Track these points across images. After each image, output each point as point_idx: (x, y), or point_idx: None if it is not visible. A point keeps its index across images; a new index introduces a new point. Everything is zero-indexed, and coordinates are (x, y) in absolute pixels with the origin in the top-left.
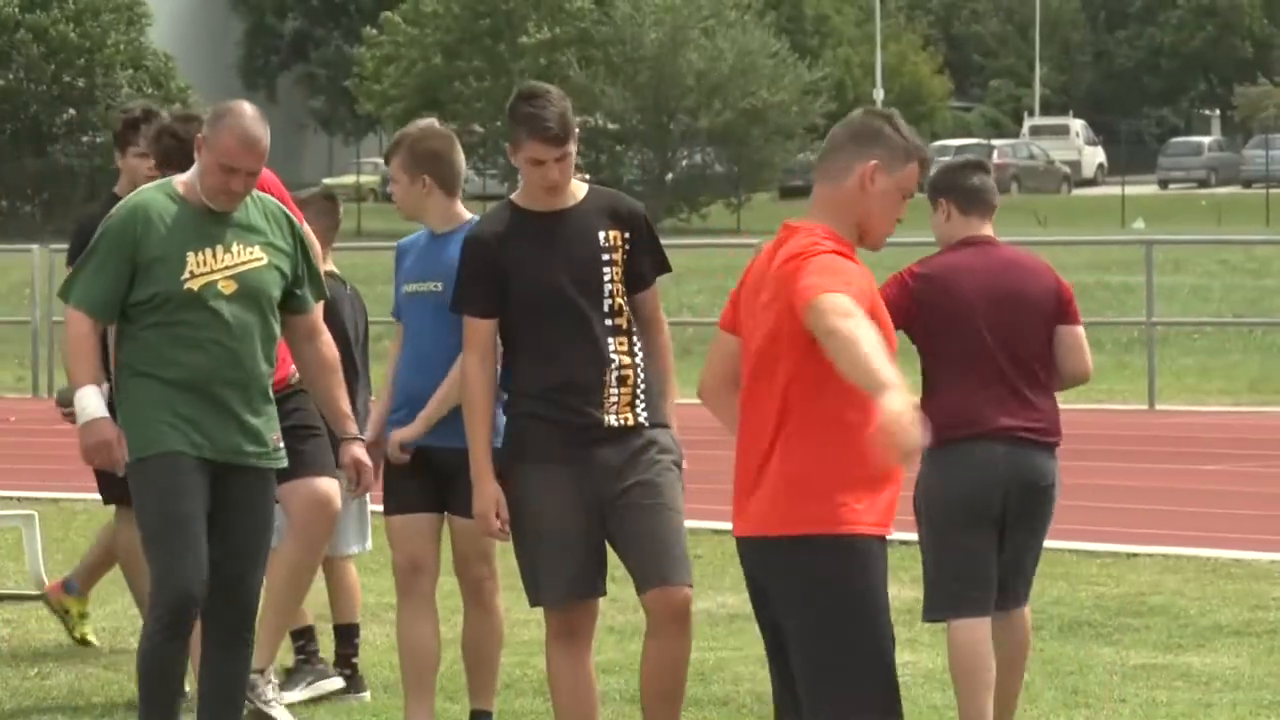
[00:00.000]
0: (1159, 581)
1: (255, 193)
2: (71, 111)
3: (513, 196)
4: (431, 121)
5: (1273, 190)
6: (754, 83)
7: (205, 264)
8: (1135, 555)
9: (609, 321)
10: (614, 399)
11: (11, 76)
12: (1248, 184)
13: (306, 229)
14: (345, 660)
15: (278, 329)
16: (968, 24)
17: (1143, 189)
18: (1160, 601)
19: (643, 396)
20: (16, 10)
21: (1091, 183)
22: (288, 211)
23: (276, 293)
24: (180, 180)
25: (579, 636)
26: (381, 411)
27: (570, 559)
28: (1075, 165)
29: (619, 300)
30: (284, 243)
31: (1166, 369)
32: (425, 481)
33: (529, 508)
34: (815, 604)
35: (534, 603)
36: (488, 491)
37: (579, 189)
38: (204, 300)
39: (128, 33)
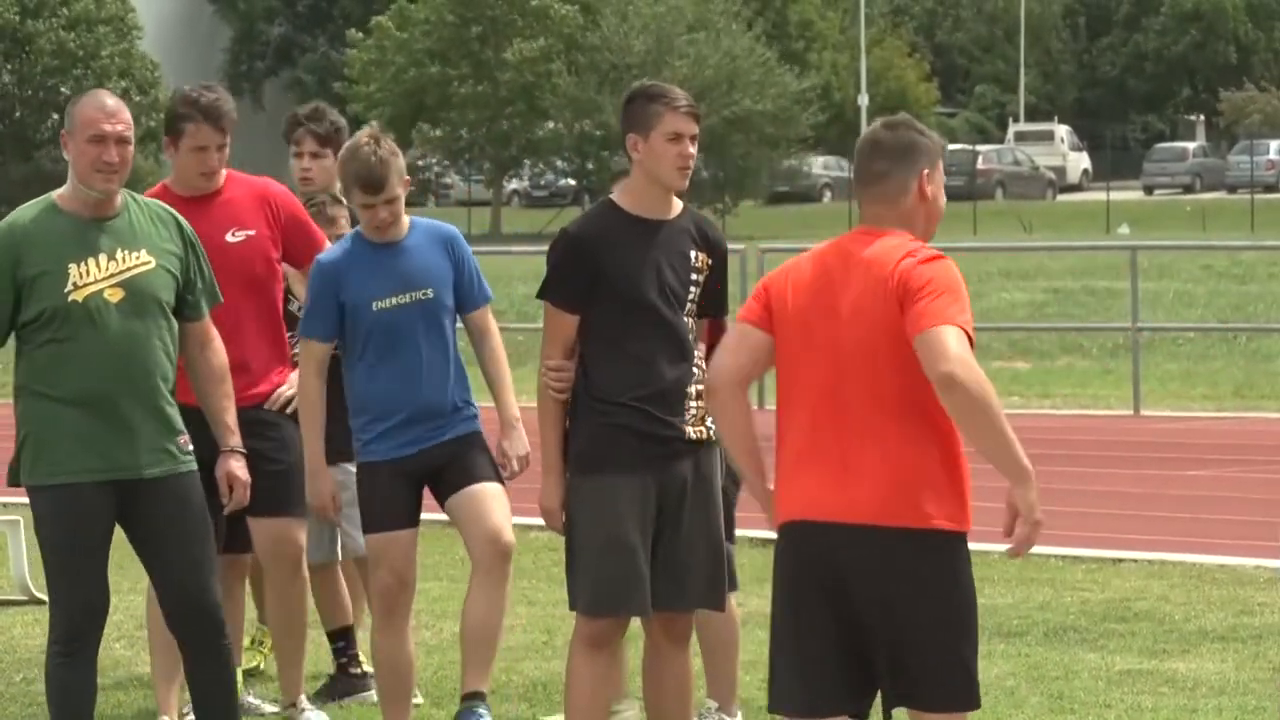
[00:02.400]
0: (1144, 587)
1: (140, 198)
2: (55, 116)
3: (614, 197)
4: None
5: (1257, 195)
6: (739, 89)
7: (88, 274)
8: (1120, 561)
9: (690, 336)
10: (694, 411)
11: None
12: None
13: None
14: (353, 660)
15: (173, 333)
16: (951, 31)
17: (1128, 194)
18: (1145, 607)
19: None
20: (16, 18)
21: (1076, 188)
22: (176, 215)
23: (168, 296)
24: (58, 193)
25: (610, 647)
26: (322, 444)
27: (634, 574)
28: (1060, 171)
29: (691, 318)
30: (173, 245)
31: (1151, 374)
32: (407, 493)
33: (603, 517)
34: (952, 597)
35: (584, 610)
36: (557, 488)
37: (676, 204)
38: (90, 311)
39: (119, 43)
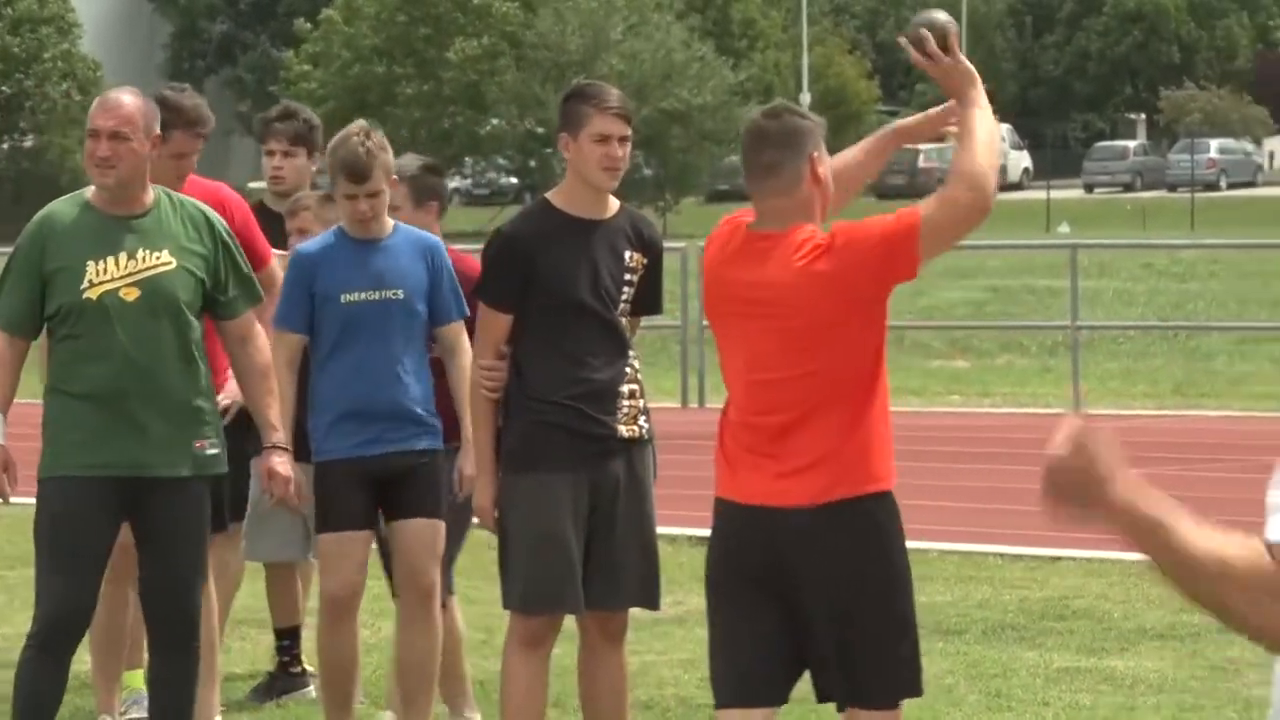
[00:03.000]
0: (1083, 585)
1: (175, 196)
2: None
3: (549, 197)
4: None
5: (1197, 194)
6: (676, 83)
7: (105, 272)
8: (1059, 559)
9: (623, 335)
10: (626, 410)
11: None
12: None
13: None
14: (295, 659)
15: (196, 334)
16: (894, 30)
17: (1068, 193)
18: (1084, 605)
19: (644, 409)
20: None
21: (1017, 187)
22: (209, 214)
23: (188, 297)
24: (91, 189)
25: (543, 645)
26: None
27: (567, 571)
28: (1001, 169)
29: (625, 318)
30: (201, 246)
31: (1091, 373)
32: (363, 494)
33: (536, 514)
34: (887, 557)
35: (517, 608)
36: (491, 487)
37: (613, 203)
38: (105, 309)
39: (60, 43)
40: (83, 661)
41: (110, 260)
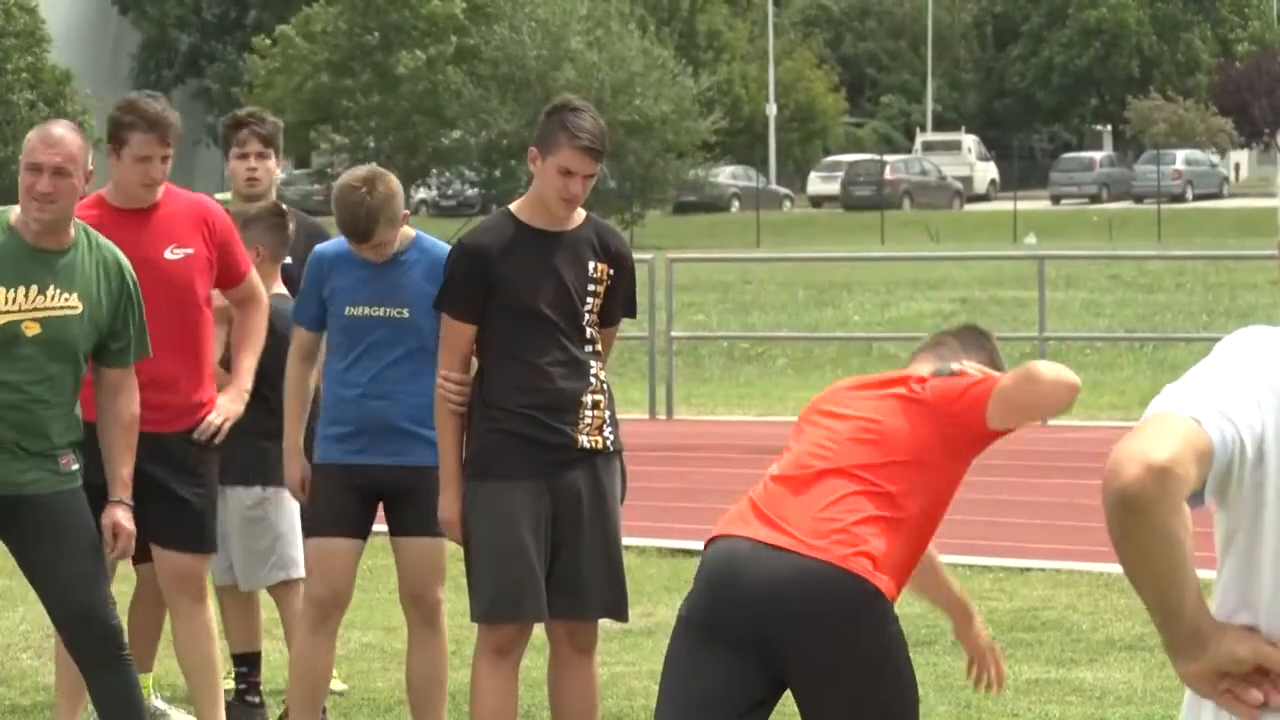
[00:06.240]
0: (1052, 596)
1: (93, 236)
2: None
3: (512, 208)
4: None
5: (1164, 205)
6: (634, 94)
7: (13, 302)
8: (1028, 570)
9: (587, 346)
10: (588, 420)
11: None
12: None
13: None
14: (254, 688)
15: (79, 378)
16: (859, 41)
17: (1035, 204)
18: (1053, 616)
19: (610, 420)
20: None
21: (984, 198)
22: (124, 265)
23: (85, 346)
24: (15, 211)
25: (513, 655)
26: (300, 428)
27: (528, 579)
28: (967, 181)
29: (592, 329)
30: (107, 295)
31: None
32: (354, 503)
33: (495, 523)
34: (883, 648)
35: (480, 618)
36: (456, 499)
37: (579, 214)
38: (4, 339)
39: (25, 56)
40: (51, 673)
41: (21, 290)
